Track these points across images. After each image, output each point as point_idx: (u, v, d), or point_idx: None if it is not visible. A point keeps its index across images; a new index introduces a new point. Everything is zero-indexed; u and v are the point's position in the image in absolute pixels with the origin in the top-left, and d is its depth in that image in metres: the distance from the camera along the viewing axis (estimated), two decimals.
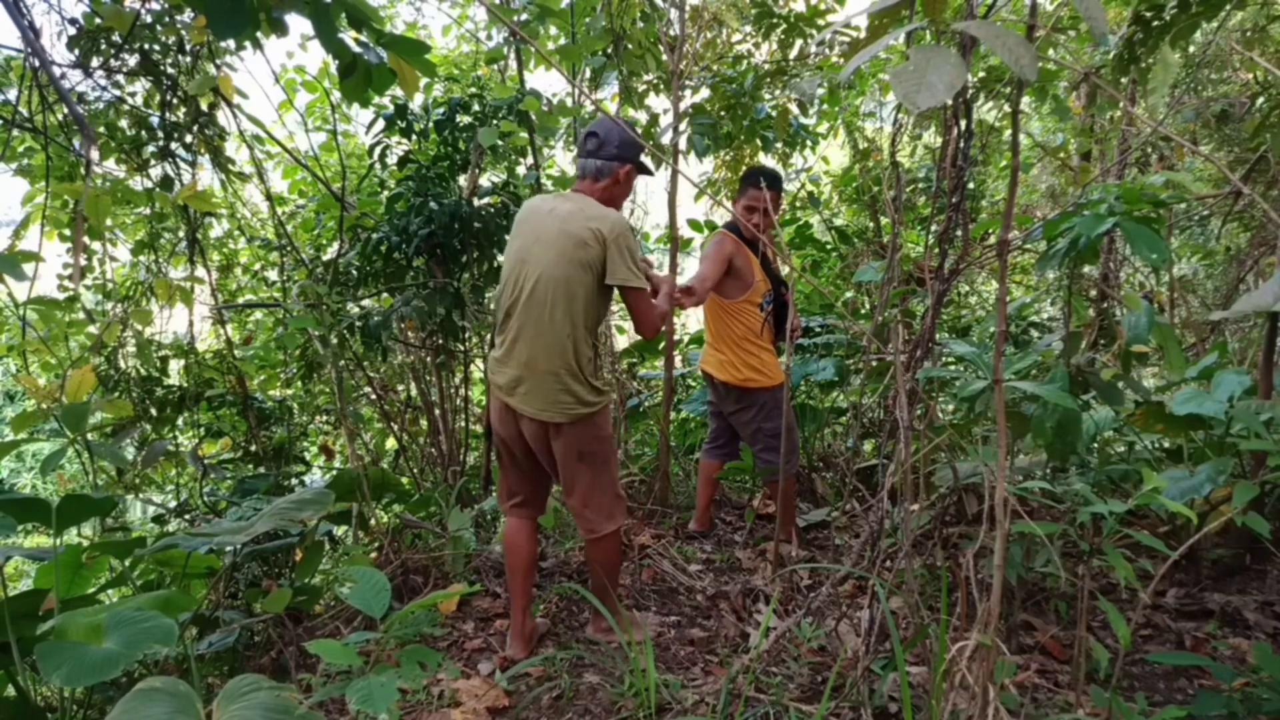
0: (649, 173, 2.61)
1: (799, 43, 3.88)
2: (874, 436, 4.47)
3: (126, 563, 2.33)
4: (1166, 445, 3.24)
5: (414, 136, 3.48)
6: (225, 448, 4.06)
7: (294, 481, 3.68)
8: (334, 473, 3.83)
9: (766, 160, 4.65)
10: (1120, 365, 2.67)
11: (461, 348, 3.82)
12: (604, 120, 2.43)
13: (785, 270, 3.53)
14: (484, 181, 3.70)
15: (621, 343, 5.08)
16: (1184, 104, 4.33)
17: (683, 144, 3.63)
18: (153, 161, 3.44)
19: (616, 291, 2.34)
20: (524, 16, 3.30)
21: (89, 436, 2.45)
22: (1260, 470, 2.63)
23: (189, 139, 3.43)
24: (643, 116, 3.90)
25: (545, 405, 2.24)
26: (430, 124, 3.45)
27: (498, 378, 2.32)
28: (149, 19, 3.08)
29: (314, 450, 4.47)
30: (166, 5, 3.10)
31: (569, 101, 3.65)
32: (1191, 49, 3.99)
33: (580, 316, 2.23)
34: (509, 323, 2.28)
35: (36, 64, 2.49)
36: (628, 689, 2.13)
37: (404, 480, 3.87)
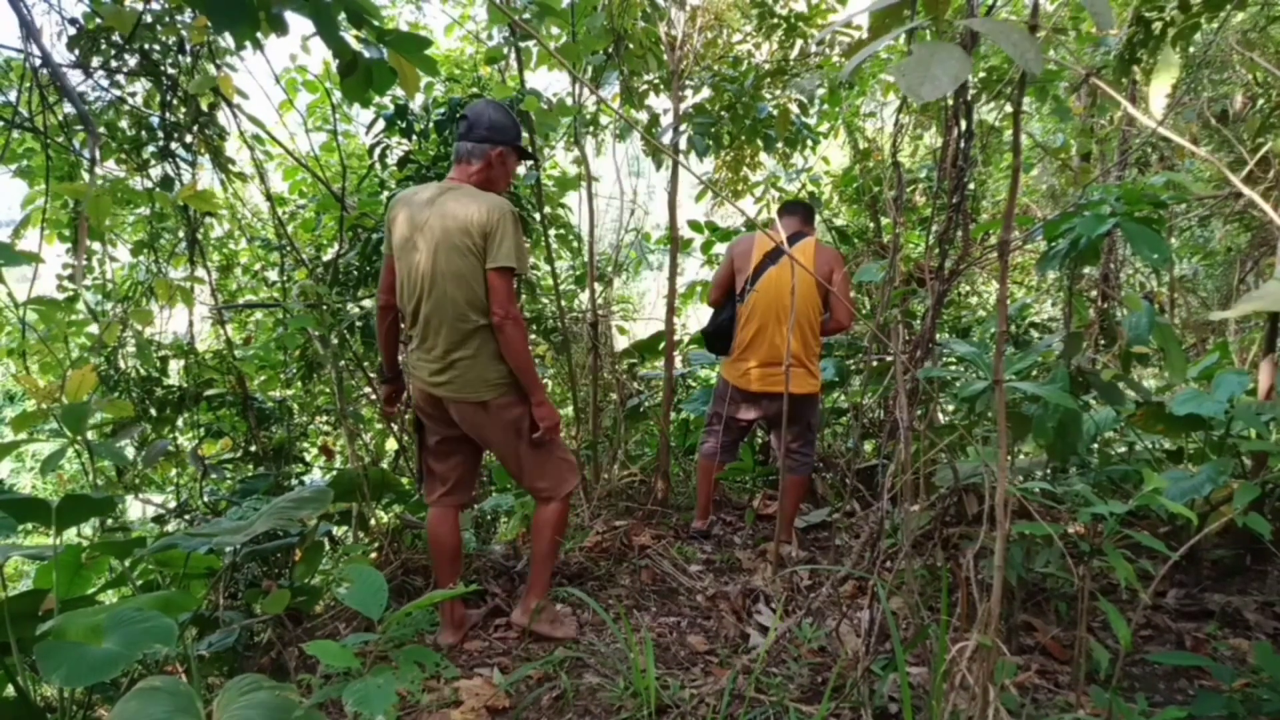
0: (530, 157, 2.56)
1: (799, 43, 3.88)
2: (874, 437, 4.47)
3: (126, 563, 2.33)
4: (1167, 446, 3.24)
5: (414, 137, 3.48)
6: (225, 448, 4.06)
7: (294, 482, 3.67)
8: (334, 473, 3.83)
9: (767, 160, 4.65)
10: (1120, 366, 2.67)
11: None
12: (479, 103, 2.40)
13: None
14: None
15: (621, 343, 5.08)
16: (1184, 104, 4.33)
17: (683, 144, 3.63)
18: (153, 161, 3.44)
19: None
20: (525, 16, 3.29)
21: (89, 436, 2.45)
22: (1261, 471, 2.63)
23: (189, 139, 3.43)
24: (643, 116, 3.90)
25: (474, 389, 2.27)
26: (431, 124, 3.45)
27: (420, 372, 2.34)
28: (149, 19, 3.08)
29: (314, 450, 4.47)
30: (166, 5, 3.10)
31: (569, 101, 3.65)
32: (1191, 49, 3.99)
33: (479, 301, 2.23)
34: (417, 319, 2.30)
35: (38, 63, 2.48)
36: (627, 690, 2.13)
37: (404, 480, 3.86)
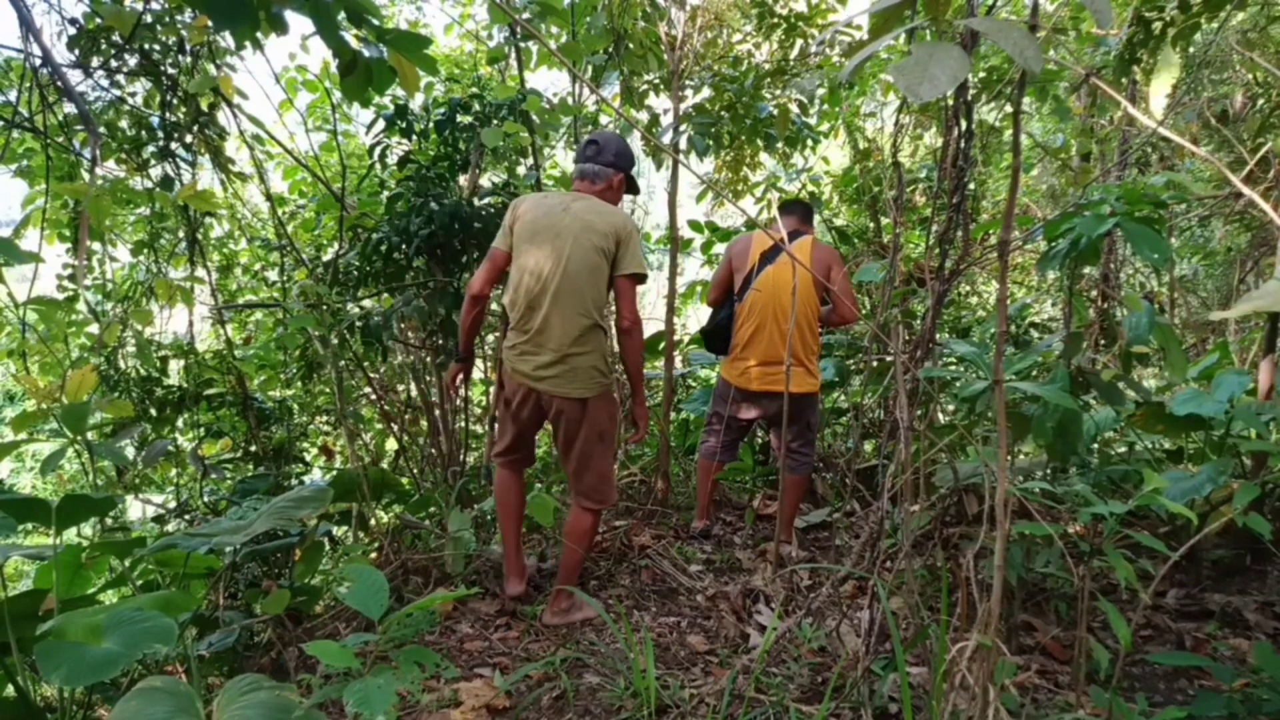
0: (636, 190, 2.79)
1: (799, 43, 3.88)
2: (874, 437, 4.47)
3: (126, 563, 2.33)
4: (1167, 446, 3.24)
5: (414, 137, 3.48)
6: (225, 448, 4.06)
7: (294, 482, 3.67)
8: (334, 473, 3.83)
9: (767, 160, 4.65)
10: (1120, 366, 2.67)
11: None
12: (607, 132, 2.70)
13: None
14: (484, 181, 3.70)
15: None
16: (1184, 104, 4.33)
17: (683, 144, 3.63)
18: (153, 161, 3.44)
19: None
20: (525, 15, 3.30)
21: (89, 436, 2.45)
22: (1261, 471, 2.63)
23: (189, 139, 3.43)
24: (643, 116, 3.90)
25: (580, 384, 2.46)
26: (430, 124, 3.44)
27: (523, 365, 2.48)
28: (149, 19, 3.08)
29: (314, 450, 4.47)
30: (166, 5, 3.10)
31: (569, 101, 3.65)
32: (1191, 49, 4.00)
33: (601, 301, 2.46)
34: (534, 313, 2.44)
35: (39, 62, 2.49)
36: (627, 690, 2.13)
37: (404, 480, 3.86)
